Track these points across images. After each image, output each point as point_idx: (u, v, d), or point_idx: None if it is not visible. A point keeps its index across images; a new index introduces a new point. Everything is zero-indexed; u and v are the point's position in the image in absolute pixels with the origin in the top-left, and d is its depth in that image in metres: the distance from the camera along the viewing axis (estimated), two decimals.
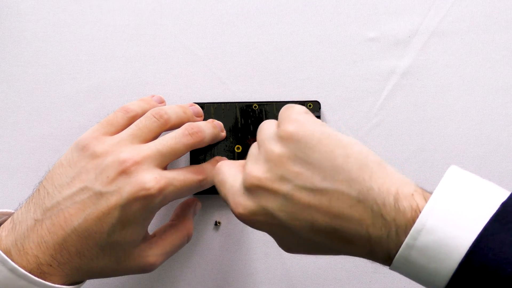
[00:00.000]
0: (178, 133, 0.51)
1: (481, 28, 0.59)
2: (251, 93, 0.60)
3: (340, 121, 0.59)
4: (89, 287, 0.57)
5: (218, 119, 0.58)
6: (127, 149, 0.49)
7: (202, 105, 0.58)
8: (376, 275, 0.58)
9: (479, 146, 0.58)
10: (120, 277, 0.57)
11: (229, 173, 0.47)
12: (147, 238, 0.51)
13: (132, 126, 0.51)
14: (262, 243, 0.59)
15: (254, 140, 0.57)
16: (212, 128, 0.55)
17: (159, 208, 0.49)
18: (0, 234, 0.48)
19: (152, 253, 0.51)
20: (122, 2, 0.61)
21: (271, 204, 0.43)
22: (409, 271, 0.39)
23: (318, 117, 0.58)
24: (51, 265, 0.47)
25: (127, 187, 0.47)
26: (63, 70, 0.61)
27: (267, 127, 0.46)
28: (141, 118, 0.52)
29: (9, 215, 0.51)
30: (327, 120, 0.59)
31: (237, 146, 0.58)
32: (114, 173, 0.48)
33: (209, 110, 0.58)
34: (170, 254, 0.52)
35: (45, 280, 0.47)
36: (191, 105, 0.57)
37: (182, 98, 0.60)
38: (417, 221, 0.38)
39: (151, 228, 0.52)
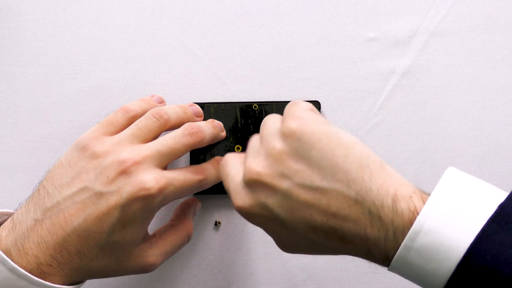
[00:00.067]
0: (178, 133, 0.51)
1: (481, 28, 0.59)
2: (251, 93, 0.60)
3: (340, 121, 0.59)
4: (89, 287, 0.57)
5: (218, 119, 0.58)
6: (127, 149, 0.49)
7: (202, 105, 0.58)
8: (376, 275, 0.58)
9: (479, 146, 0.58)
10: (120, 277, 0.57)
11: (232, 165, 0.47)
12: (147, 238, 0.51)
13: (132, 126, 0.51)
14: (262, 243, 0.59)
15: None
16: (212, 128, 0.55)
17: (159, 208, 0.49)
18: (0, 234, 0.48)
19: (152, 253, 0.51)
20: (122, 2, 0.61)
21: (270, 200, 0.43)
22: (407, 272, 0.40)
23: None
24: (51, 265, 0.47)
25: (127, 187, 0.47)
26: (63, 70, 0.61)
27: (271, 123, 0.46)
28: (141, 118, 0.52)
29: (9, 215, 0.51)
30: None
31: (237, 146, 0.58)
32: (114, 173, 0.48)
33: (209, 110, 0.58)
34: (170, 254, 0.52)
35: (45, 280, 0.47)
36: (191, 105, 0.57)
37: (182, 98, 0.60)
38: (415, 223, 0.38)
39: (151, 228, 0.52)
